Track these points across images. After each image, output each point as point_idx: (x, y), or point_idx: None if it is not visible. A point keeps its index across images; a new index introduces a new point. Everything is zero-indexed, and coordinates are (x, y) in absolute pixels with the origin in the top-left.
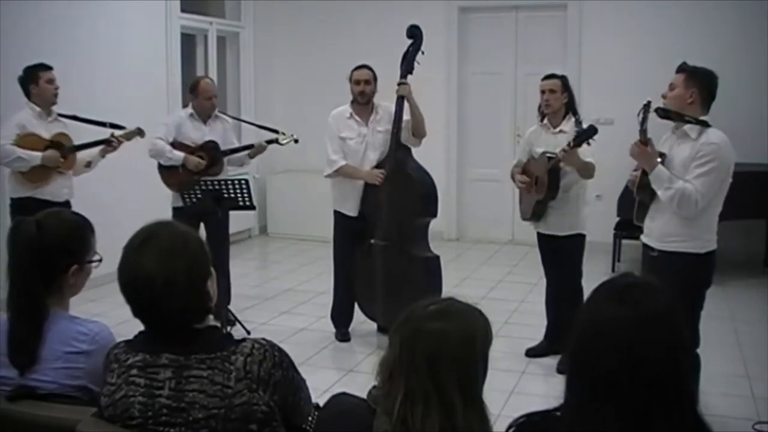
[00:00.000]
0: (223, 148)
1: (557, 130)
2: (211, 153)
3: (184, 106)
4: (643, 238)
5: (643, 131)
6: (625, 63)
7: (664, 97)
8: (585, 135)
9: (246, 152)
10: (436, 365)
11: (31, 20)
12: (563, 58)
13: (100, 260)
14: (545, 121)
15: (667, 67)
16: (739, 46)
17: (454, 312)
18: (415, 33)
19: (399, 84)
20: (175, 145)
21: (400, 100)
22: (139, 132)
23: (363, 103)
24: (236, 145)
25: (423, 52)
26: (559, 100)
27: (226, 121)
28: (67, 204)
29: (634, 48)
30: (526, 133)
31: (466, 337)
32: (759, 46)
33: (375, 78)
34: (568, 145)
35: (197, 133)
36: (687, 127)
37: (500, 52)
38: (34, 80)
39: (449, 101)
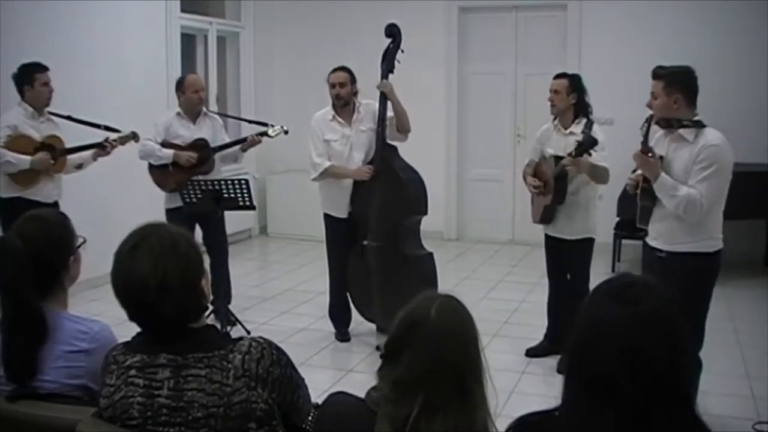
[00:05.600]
0: (213, 145)
1: (567, 131)
2: (201, 151)
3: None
4: (650, 241)
5: (644, 142)
6: (625, 63)
7: (649, 106)
8: (584, 146)
9: (238, 146)
10: (461, 361)
11: (30, 20)
12: (563, 58)
13: (84, 241)
14: (556, 121)
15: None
16: (739, 45)
17: (451, 307)
18: (393, 32)
19: (381, 81)
20: (165, 145)
21: (383, 97)
22: (134, 136)
23: (340, 105)
24: (227, 141)
25: (403, 51)
26: (564, 101)
27: (215, 119)
28: (55, 205)
29: (634, 48)
30: (537, 132)
31: (468, 325)
32: (759, 45)
33: (352, 80)
34: (570, 154)
35: (186, 132)
36: (683, 131)
37: (500, 52)
38: (30, 82)
39: (449, 101)
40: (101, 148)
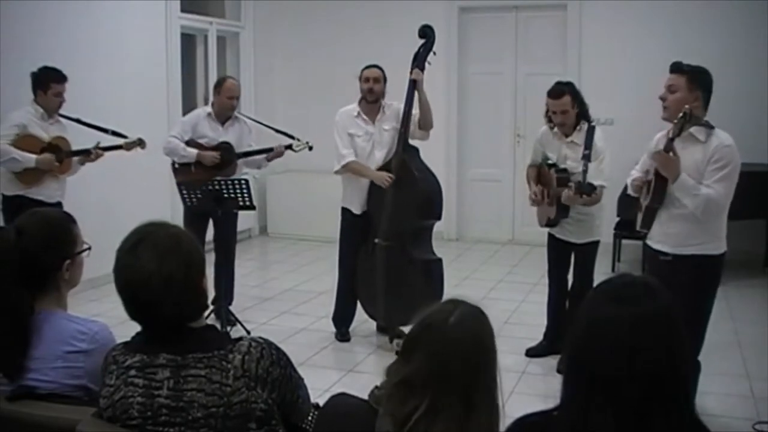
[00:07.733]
0: (238, 150)
1: (569, 140)
2: (225, 154)
3: (185, 106)
4: (654, 244)
5: (672, 140)
6: (625, 63)
7: (662, 99)
8: (580, 190)
9: (263, 156)
10: (469, 372)
11: (31, 20)
12: (563, 58)
13: (89, 248)
14: (555, 129)
15: (667, 66)
16: (739, 45)
17: (474, 318)
18: (427, 33)
19: (414, 70)
20: (190, 144)
21: (412, 84)
22: (140, 142)
23: (371, 101)
24: (253, 148)
25: (435, 53)
26: (572, 115)
27: (245, 123)
28: (58, 205)
29: (634, 48)
30: (538, 133)
31: (487, 340)
32: (759, 45)
33: (385, 79)
34: (569, 188)
35: (213, 134)
36: (694, 129)
37: (500, 52)
38: (44, 88)
39: (449, 101)
40: (86, 155)
